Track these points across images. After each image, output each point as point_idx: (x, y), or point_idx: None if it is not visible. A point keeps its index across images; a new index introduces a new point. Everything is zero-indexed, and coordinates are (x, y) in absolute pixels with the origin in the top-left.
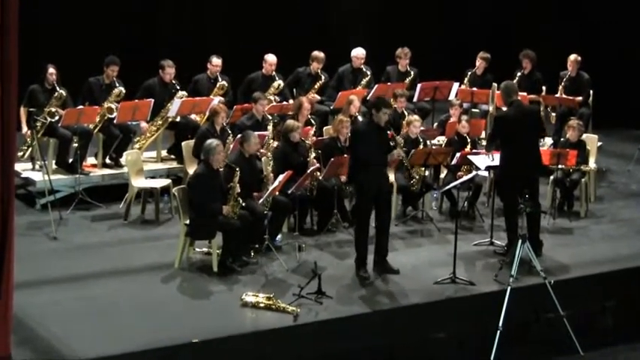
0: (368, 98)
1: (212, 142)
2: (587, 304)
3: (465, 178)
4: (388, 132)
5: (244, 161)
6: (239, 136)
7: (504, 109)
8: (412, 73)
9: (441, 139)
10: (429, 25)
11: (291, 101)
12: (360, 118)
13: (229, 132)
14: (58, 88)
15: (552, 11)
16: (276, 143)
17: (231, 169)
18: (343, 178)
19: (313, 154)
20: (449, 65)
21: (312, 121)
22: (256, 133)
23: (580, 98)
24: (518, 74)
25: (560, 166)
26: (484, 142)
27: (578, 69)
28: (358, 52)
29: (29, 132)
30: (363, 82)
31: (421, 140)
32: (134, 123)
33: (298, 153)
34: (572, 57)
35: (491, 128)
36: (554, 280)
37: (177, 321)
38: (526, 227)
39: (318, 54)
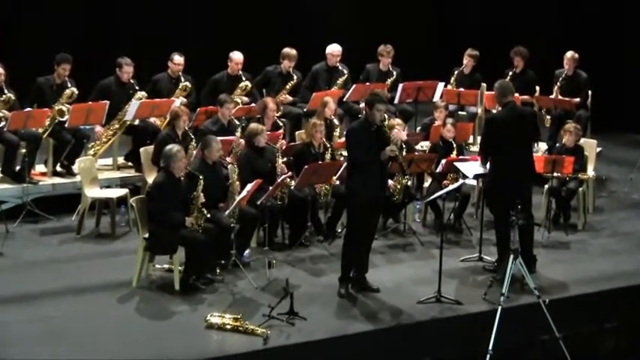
0: (345, 99)
1: (173, 147)
2: (586, 325)
3: (451, 187)
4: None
5: (207, 169)
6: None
7: (494, 111)
8: (394, 73)
9: (425, 145)
10: (412, 20)
11: None
12: (335, 122)
13: (192, 137)
14: (6, 91)
15: (547, 5)
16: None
17: (194, 178)
18: (318, 187)
19: (281, 160)
20: (433, 64)
21: (280, 124)
22: (222, 138)
23: (577, 99)
24: (510, 73)
25: (555, 174)
26: (472, 148)
27: (576, 67)
28: (334, 49)
29: None
30: (339, 82)
31: (403, 146)
32: (88, 127)
33: (265, 159)
34: (569, 54)
35: (483, 134)
36: (549, 299)
37: (135, 345)
38: (518, 241)
39: (290, 51)
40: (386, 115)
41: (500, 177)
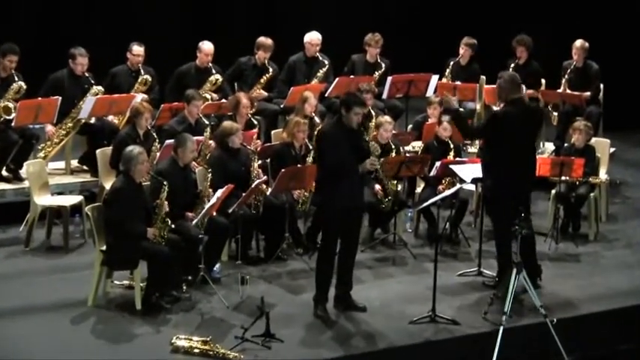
0: (326, 94)
1: (134, 149)
2: (598, 348)
3: (447, 193)
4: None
5: (178, 172)
6: (172, 140)
7: (495, 108)
8: (383, 65)
9: (417, 145)
10: (402, 5)
11: None
12: (317, 120)
13: (155, 136)
14: None
15: None
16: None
17: (158, 183)
18: (296, 194)
19: (257, 163)
20: (426, 54)
21: (255, 122)
22: None
23: (588, 94)
24: (512, 65)
25: (563, 178)
26: (470, 149)
27: (586, 58)
28: (312, 37)
29: None
30: (319, 74)
31: (393, 147)
32: (37, 126)
33: (238, 162)
34: (578, 43)
35: (485, 124)
36: (556, 319)
37: None
38: (520, 253)
39: (265, 41)
40: (373, 112)
41: (505, 182)
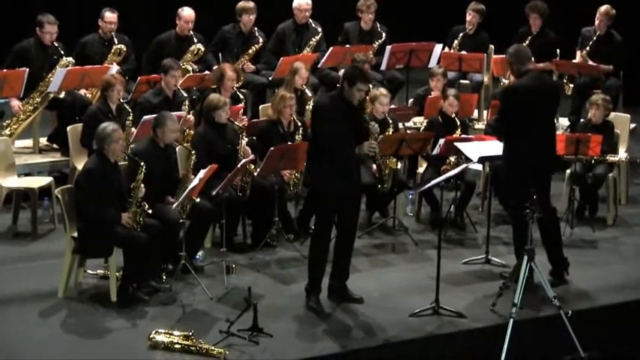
0: (319, 65)
1: (108, 126)
2: (617, 343)
3: (452, 173)
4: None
5: (158, 154)
6: (152, 117)
7: (504, 80)
8: (383, 34)
9: (418, 121)
10: None
11: None
12: (308, 93)
13: (129, 110)
14: None
15: None
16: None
17: (135, 163)
18: (287, 176)
19: (245, 141)
20: (429, 21)
21: (241, 96)
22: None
23: (610, 67)
24: (524, 34)
25: (579, 157)
26: (477, 125)
27: (609, 26)
28: (300, 2)
29: None
30: (311, 43)
31: (390, 122)
32: (2, 101)
33: (226, 139)
34: (603, 9)
35: (500, 106)
36: (572, 311)
37: None
38: (538, 239)
39: (245, 4)
40: (370, 85)
41: (521, 164)
